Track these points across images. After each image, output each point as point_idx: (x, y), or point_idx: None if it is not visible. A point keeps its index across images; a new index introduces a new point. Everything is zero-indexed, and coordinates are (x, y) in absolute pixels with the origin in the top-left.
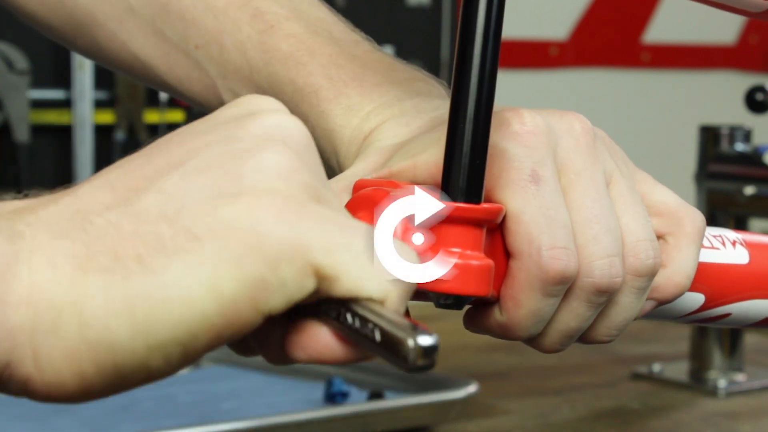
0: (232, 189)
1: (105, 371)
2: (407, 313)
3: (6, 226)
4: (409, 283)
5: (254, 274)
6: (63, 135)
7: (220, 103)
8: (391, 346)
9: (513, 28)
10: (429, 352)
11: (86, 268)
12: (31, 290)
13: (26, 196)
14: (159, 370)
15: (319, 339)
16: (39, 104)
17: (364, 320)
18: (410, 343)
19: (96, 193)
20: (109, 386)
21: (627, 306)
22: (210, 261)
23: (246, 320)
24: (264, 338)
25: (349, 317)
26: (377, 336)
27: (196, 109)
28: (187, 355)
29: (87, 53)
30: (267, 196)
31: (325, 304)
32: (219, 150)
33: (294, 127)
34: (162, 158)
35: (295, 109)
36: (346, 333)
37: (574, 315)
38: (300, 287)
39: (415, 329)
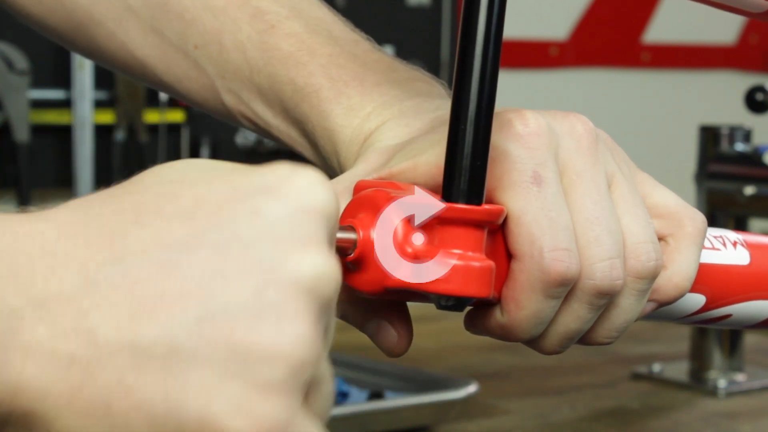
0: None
1: None
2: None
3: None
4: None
5: None
6: (63, 135)
7: (219, 103)
8: None
9: (513, 28)
10: None
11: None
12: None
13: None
14: None
15: None
16: (39, 104)
17: None
18: None
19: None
20: None
21: (628, 308)
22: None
23: None
24: None
25: None
26: None
27: (196, 109)
28: None
29: (85, 53)
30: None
31: None
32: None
33: (333, 273)
34: (168, 230)
35: (295, 109)
36: None
37: (574, 317)
38: None
39: None
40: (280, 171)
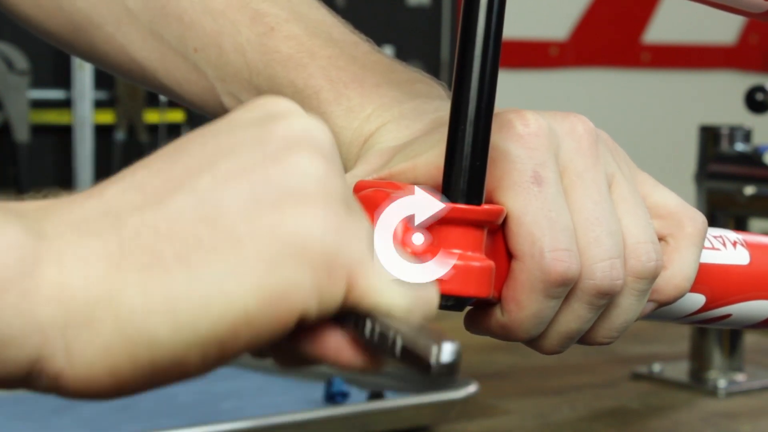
0: (272, 194)
1: (140, 367)
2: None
3: (29, 225)
4: (432, 303)
5: (296, 278)
6: (63, 135)
7: (219, 106)
8: (413, 358)
9: (513, 28)
10: (450, 361)
11: (122, 266)
12: (62, 287)
13: (46, 196)
14: (195, 367)
15: (335, 345)
16: (39, 104)
17: (386, 331)
18: (433, 352)
19: (124, 195)
20: (143, 382)
21: (628, 308)
22: (253, 262)
23: (283, 322)
24: (279, 342)
25: (369, 327)
26: (398, 347)
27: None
28: (224, 354)
29: (85, 56)
30: (309, 203)
31: (345, 313)
32: (249, 153)
33: (320, 130)
34: (188, 160)
35: None
36: (364, 342)
37: (574, 317)
38: (334, 296)
39: (437, 340)
40: (268, 106)
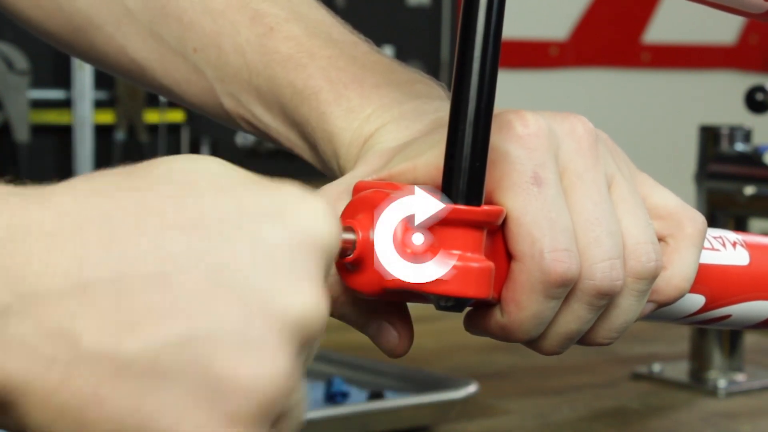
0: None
1: None
2: None
3: None
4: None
5: None
6: (63, 135)
7: (218, 107)
8: None
9: (513, 28)
10: None
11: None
12: None
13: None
14: None
15: None
16: (39, 104)
17: None
18: None
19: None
20: None
21: (627, 308)
22: None
23: None
24: None
25: None
26: None
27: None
28: None
29: (84, 57)
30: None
31: None
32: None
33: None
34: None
35: (294, 112)
36: None
37: (574, 317)
38: None
39: None
40: (288, 193)
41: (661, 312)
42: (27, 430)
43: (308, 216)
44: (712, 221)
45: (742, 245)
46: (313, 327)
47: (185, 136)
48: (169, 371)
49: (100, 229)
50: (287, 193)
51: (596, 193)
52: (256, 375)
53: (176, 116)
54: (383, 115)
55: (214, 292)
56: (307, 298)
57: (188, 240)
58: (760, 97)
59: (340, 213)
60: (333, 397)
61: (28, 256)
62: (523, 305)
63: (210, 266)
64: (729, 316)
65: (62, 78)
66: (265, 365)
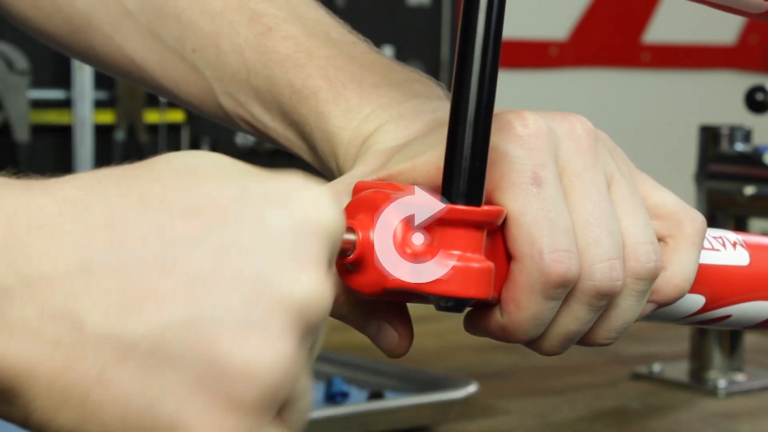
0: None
1: None
2: None
3: None
4: None
5: None
6: (63, 135)
7: (217, 107)
8: None
9: (513, 28)
10: None
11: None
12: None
13: None
14: None
15: None
16: (39, 104)
17: None
18: None
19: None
20: None
21: (627, 309)
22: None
23: None
24: None
25: None
26: None
27: (193, 110)
28: None
29: (83, 58)
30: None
31: None
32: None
33: (325, 303)
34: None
35: (293, 111)
36: None
37: (574, 318)
38: None
39: None
40: (293, 182)
41: (661, 312)
42: (31, 419)
43: (312, 203)
44: (712, 221)
45: (742, 245)
46: (317, 312)
47: (185, 136)
48: (173, 353)
49: (103, 214)
50: (291, 181)
51: (596, 192)
52: (259, 358)
53: (176, 116)
54: (382, 114)
55: (218, 275)
56: (311, 282)
57: (192, 224)
58: (760, 97)
59: None
60: (333, 397)
61: (31, 239)
62: (523, 306)
63: (214, 250)
64: (729, 316)
65: (62, 78)
66: (268, 349)
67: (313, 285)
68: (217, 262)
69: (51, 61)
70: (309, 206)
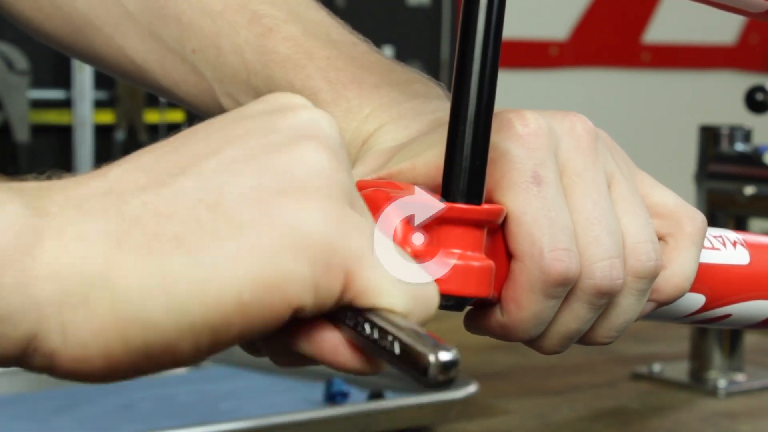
0: (276, 183)
1: (133, 349)
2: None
3: (30, 202)
4: (432, 303)
5: (293, 270)
6: (63, 135)
7: (217, 107)
8: (410, 361)
9: (513, 28)
10: (449, 367)
11: (121, 246)
12: (60, 265)
13: (49, 177)
14: (188, 354)
15: (331, 344)
16: (39, 104)
17: (384, 332)
18: (431, 358)
19: (128, 176)
20: (134, 366)
21: (627, 308)
22: (252, 249)
23: (277, 314)
24: (274, 339)
25: (367, 327)
26: (396, 349)
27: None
28: (217, 342)
29: (83, 58)
30: (312, 195)
31: (342, 312)
32: (256, 141)
33: (328, 124)
34: (195, 146)
35: None
36: (361, 343)
37: (574, 317)
38: (331, 291)
39: (437, 345)
40: (277, 100)
41: (661, 311)
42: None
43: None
44: (712, 221)
45: (742, 245)
46: (325, 126)
47: None
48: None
49: (137, 166)
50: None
51: (596, 191)
52: (310, 159)
53: (176, 116)
54: (382, 115)
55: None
56: (306, 113)
57: (217, 137)
58: (760, 97)
59: None
60: (333, 397)
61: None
62: (523, 304)
63: (240, 152)
64: (729, 315)
65: (62, 78)
66: (309, 157)
67: (315, 116)
68: (229, 145)
69: (51, 61)
70: (305, 113)
